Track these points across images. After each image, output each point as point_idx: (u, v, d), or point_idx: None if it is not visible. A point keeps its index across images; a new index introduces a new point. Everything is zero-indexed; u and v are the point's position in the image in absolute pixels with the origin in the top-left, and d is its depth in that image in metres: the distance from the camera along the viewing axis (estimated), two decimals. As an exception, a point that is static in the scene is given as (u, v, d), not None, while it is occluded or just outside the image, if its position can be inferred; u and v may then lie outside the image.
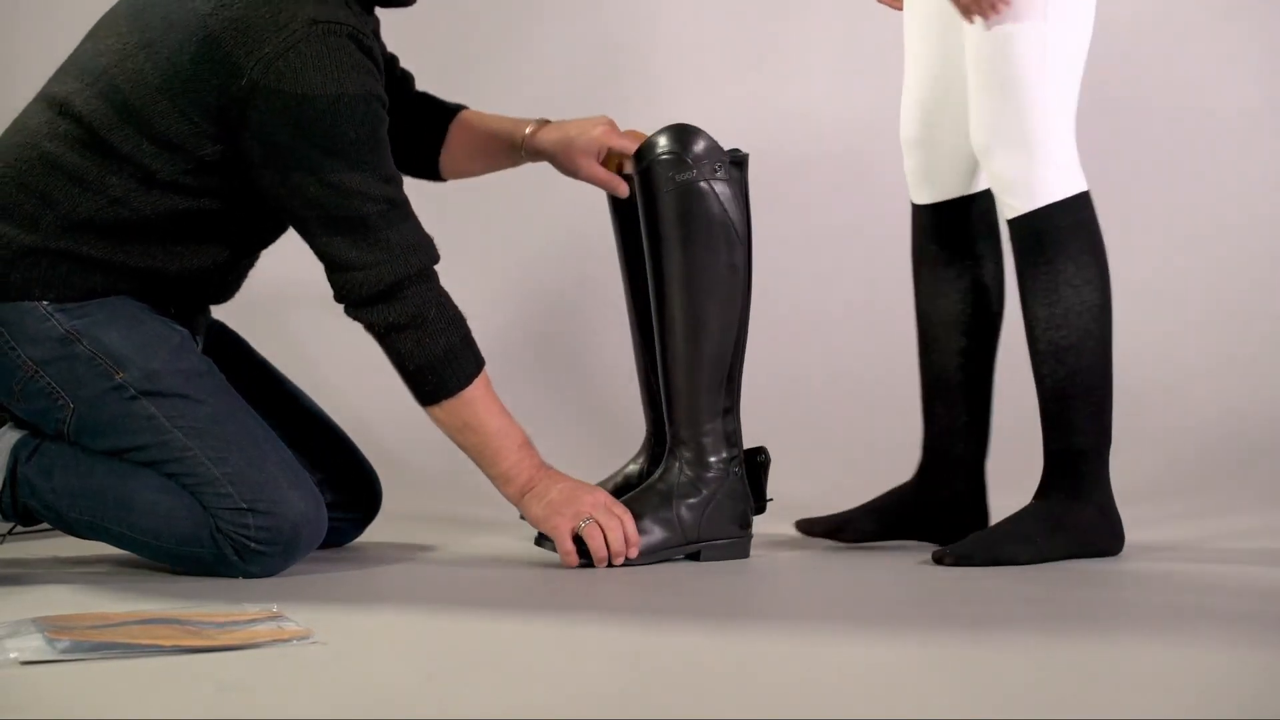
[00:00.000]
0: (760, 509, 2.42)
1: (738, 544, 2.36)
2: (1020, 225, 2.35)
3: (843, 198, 3.61)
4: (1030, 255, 2.35)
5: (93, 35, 2.31)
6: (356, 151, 2.19)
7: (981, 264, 2.49)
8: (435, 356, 2.25)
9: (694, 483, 2.33)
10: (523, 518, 2.36)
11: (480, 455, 2.31)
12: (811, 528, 2.49)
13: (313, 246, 2.25)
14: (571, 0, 3.84)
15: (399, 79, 2.51)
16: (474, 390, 2.28)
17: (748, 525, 2.37)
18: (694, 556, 2.34)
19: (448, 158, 2.55)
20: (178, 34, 2.20)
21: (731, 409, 2.35)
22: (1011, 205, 2.35)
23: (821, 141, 3.63)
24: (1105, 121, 3.65)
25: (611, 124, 2.46)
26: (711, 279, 2.31)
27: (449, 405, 2.27)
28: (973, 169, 2.46)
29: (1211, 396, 3.38)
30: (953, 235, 2.49)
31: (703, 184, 2.30)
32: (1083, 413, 2.36)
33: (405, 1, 2.33)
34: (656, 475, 2.36)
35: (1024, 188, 2.32)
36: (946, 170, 2.48)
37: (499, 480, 2.32)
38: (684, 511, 2.33)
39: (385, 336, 2.25)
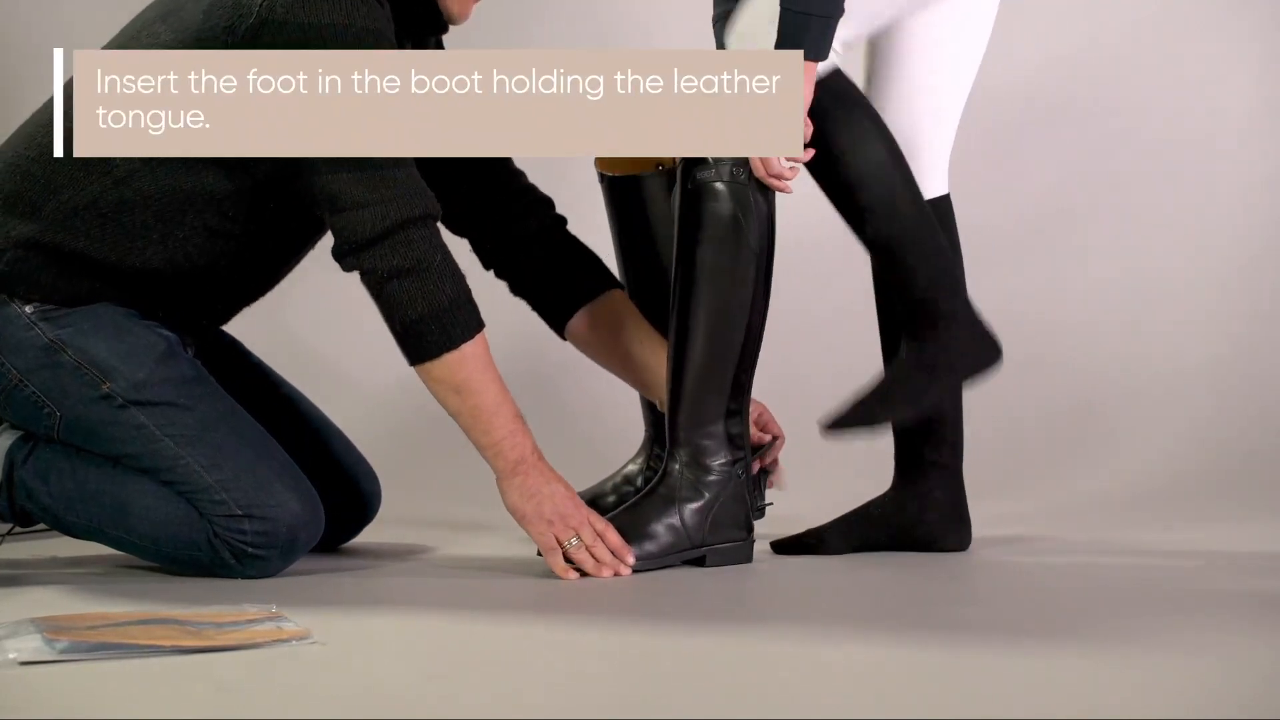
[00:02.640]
0: (759, 514, 2.41)
1: (741, 548, 2.33)
2: None
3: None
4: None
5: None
6: None
7: None
8: (439, 305, 2.16)
9: (695, 486, 2.31)
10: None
11: (473, 422, 2.21)
12: (786, 548, 2.44)
13: (317, 188, 2.16)
14: (571, 0, 3.83)
15: (548, 209, 2.50)
16: (475, 347, 2.19)
17: (750, 529, 2.35)
18: (697, 562, 2.31)
19: (581, 329, 2.50)
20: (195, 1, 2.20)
21: (738, 411, 2.32)
22: None
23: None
24: (1105, 121, 3.65)
25: (763, 409, 2.45)
26: (724, 279, 2.27)
27: (449, 361, 2.18)
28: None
29: (1211, 396, 3.38)
30: None
31: (718, 185, 2.28)
32: (919, 261, 2.31)
33: (441, 30, 2.33)
34: (655, 479, 2.32)
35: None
36: None
37: (488, 450, 2.22)
38: (688, 515, 2.30)
39: (386, 283, 2.16)
